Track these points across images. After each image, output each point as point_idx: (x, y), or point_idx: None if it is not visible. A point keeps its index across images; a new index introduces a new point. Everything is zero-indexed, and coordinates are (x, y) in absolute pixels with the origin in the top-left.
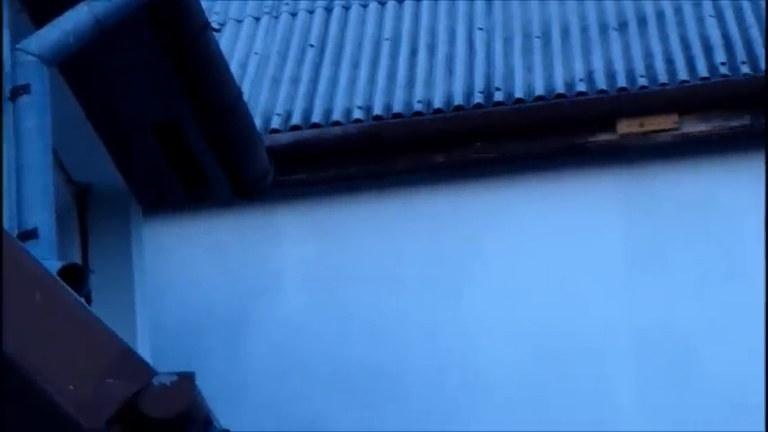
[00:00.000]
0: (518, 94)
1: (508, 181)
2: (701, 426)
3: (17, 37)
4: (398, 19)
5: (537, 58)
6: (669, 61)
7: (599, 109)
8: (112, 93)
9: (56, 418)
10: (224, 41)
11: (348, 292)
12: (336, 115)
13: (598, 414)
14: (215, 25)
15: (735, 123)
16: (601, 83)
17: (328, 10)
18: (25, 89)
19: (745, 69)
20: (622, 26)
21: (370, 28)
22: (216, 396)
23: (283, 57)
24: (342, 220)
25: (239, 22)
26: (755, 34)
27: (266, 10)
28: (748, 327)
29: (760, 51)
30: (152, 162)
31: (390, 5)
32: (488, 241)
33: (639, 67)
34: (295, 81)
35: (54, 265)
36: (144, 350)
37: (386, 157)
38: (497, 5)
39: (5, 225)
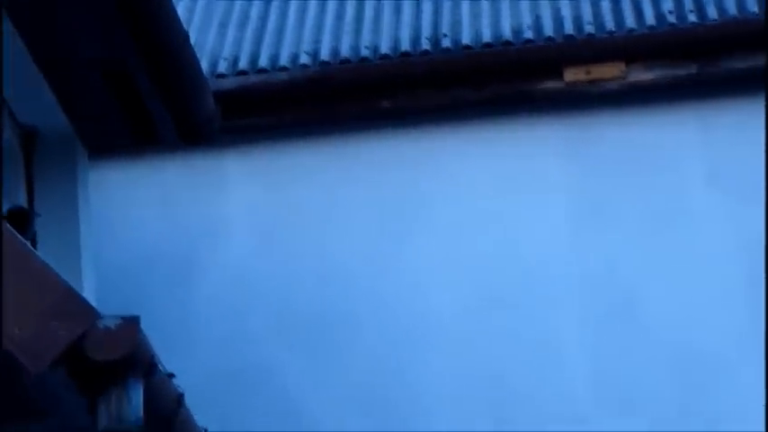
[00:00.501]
0: (465, 40)
1: (454, 127)
2: (645, 369)
3: None
4: None
5: (485, 4)
6: (616, 9)
7: (546, 56)
8: (59, 36)
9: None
10: None
11: (295, 237)
12: (283, 60)
13: (543, 358)
14: None
15: (681, 72)
16: (548, 30)
17: None
18: None
19: (692, 18)
20: None
21: None
22: (161, 340)
23: (230, 1)
24: (288, 165)
25: None
26: None
27: None
28: (692, 273)
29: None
30: (98, 105)
31: None
32: (434, 187)
33: (587, 15)
34: (242, 25)
35: None
36: (89, 294)
37: (332, 103)
38: None
39: None
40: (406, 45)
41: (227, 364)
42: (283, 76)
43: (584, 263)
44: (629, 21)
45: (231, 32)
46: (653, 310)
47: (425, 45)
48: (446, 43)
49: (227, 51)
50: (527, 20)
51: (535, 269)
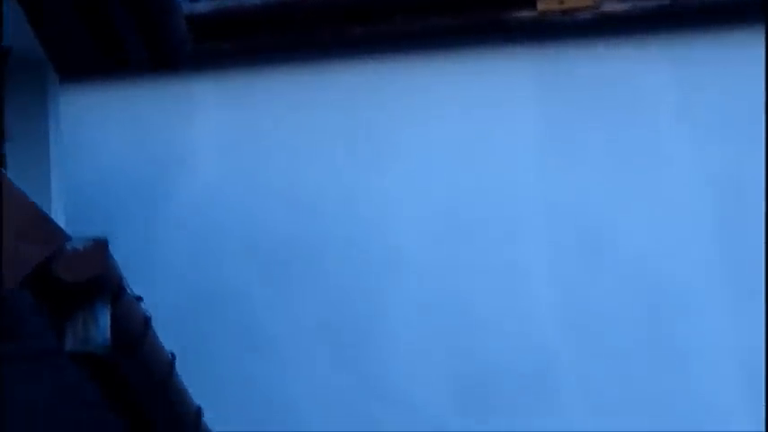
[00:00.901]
0: None
1: (427, 55)
2: (612, 302)
3: None
4: None
5: None
6: None
7: None
8: None
9: None
10: None
11: (265, 164)
12: None
13: (510, 289)
14: None
15: (654, 3)
16: None
17: None
18: None
19: None
20: None
21: None
22: (129, 263)
23: None
24: (260, 91)
25: None
26: None
27: None
28: (661, 206)
29: None
30: (69, 29)
31: None
32: (405, 116)
33: None
34: None
35: None
36: (58, 216)
37: (306, 29)
38: None
39: None
40: None
41: (194, 290)
42: (256, 0)
43: (553, 194)
44: None
45: None
46: (621, 242)
47: None
48: None
49: None
50: None
51: (504, 199)
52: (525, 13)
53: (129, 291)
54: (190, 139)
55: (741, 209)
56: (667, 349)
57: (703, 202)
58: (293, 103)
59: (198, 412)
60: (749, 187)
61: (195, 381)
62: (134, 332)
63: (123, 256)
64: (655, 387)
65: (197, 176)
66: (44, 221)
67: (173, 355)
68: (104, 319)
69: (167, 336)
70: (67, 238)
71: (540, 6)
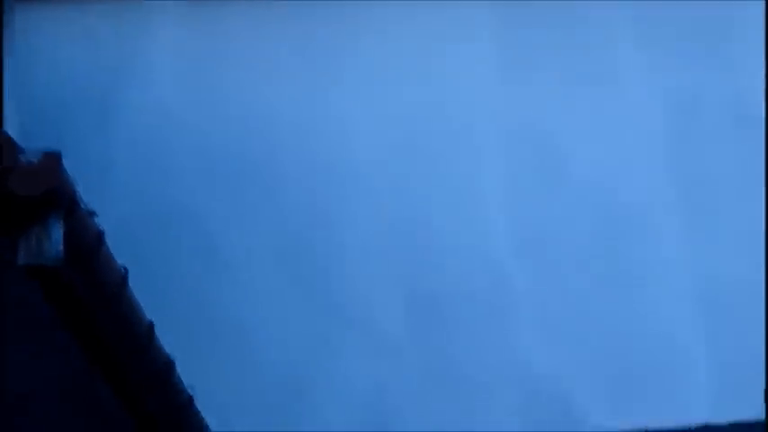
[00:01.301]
0: None
1: None
2: (567, 224)
3: None
4: None
5: None
6: None
7: None
8: None
9: None
10: None
11: (220, 80)
12: None
13: (466, 210)
14: None
15: None
16: None
17: None
18: None
19: None
20: None
21: None
22: (83, 178)
23: None
24: (216, 8)
25: None
26: None
27: None
28: (618, 128)
29: None
30: None
31: None
32: (363, 35)
33: None
34: None
35: None
36: (11, 129)
37: None
38: None
39: None
40: None
41: (149, 206)
42: None
43: (509, 115)
44: None
45: None
46: (577, 165)
47: None
48: None
49: None
50: None
51: (460, 121)
52: None
53: (82, 205)
54: (145, 54)
55: (696, 133)
56: (621, 271)
57: (658, 126)
58: (250, 22)
59: (150, 327)
60: (704, 111)
61: (148, 298)
62: (87, 246)
63: (77, 170)
64: (607, 310)
65: (152, 92)
66: None
67: (125, 269)
68: (57, 233)
69: (120, 251)
70: (21, 151)
71: None
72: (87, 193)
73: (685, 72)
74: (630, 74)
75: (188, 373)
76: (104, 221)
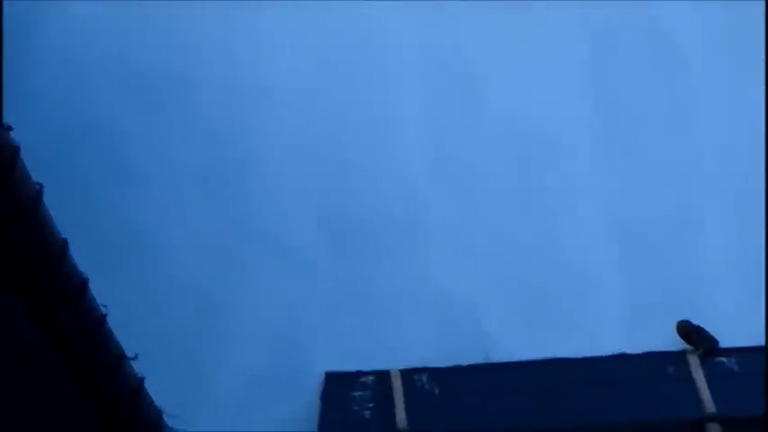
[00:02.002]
0: None
1: None
2: (482, 151)
3: None
4: None
5: None
6: None
7: None
8: None
9: None
10: None
11: (138, 1)
12: None
13: (382, 133)
14: None
15: None
16: None
17: None
18: None
19: None
20: None
21: None
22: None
23: None
24: None
25: None
26: None
27: None
28: (535, 55)
29: None
30: None
31: None
32: None
33: None
34: None
35: None
36: None
37: None
38: None
39: None
40: None
41: (66, 121)
42: None
43: (427, 41)
44: None
45: None
46: (495, 92)
47: None
48: None
49: None
50: None
51: (379, 44)
52: None
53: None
54: None
55: (614, 64)
56: (536, 199)
57: (577, 56)
58: None
59: (64, 243)
60: (625, 42)
61: (62, 215)
62: (2, 161)
63: None
64: (521, 237)
65: (70, 11)
66: None
67: (40, 185)
68: None
69: (36, 167)
70: None
71: None
72: (6, 113)
73: (605, 3)
74: (550, 3)
75: (101, 292)
76: (20, 137)
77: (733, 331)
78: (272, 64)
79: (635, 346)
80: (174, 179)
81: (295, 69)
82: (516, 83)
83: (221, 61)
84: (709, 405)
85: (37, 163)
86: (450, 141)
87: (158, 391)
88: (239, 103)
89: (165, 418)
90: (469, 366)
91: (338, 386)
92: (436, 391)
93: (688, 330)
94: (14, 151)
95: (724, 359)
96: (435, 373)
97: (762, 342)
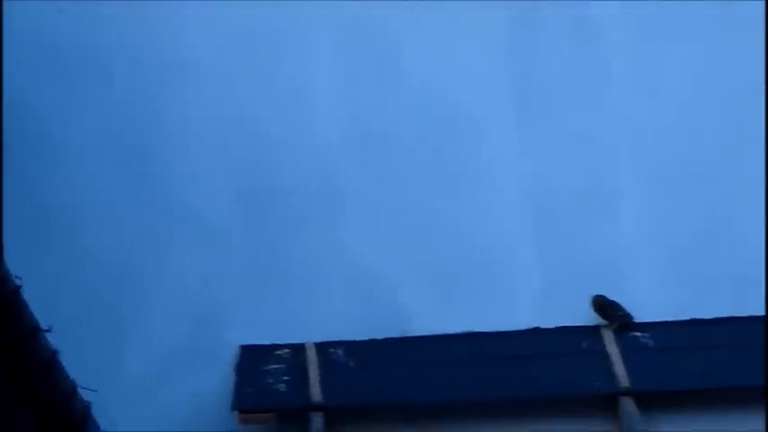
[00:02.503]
0: None
1: None
2: (398, 124)
3: None
4: None
5: None
6: None
7: None
8: None
9: None
10: None
11: None
12: None
13: (298, 106)
14: None
15: None
16: None
17: None
18: None
19: None
20: None
21: None
22: None
23: None
24: None
25: None
26: None
27: None
28: (454, 32)
29: None
30: None
31: None
32: None
33: None
34: None
35: None
36: None
37: None
38: None
39: None
40: None
41: None
42: None
43: (343, 12)
44: None
45: None
46: (412, 64)
47: None
48: None
49: None
50: None
51: (293, 15)
52: None
53: None
54: None
55: (532, 38)
56: (452, 172)
57: (496, 29)
58: None
59: None
60: (542, 18)
61: None
62: None
63: None
64: (437, 209)
65: None
66: None
67: None
68: None
69: None
70: None
71: None
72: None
73: None
74: None
75: (16, 264)
76: None
77: (647, 306)
78: (188, 38)
79: (550, 321)
80: (91, 152)
81: (211, 43)
82: (433, 56)
83: (138, 36)
84: (623, 379)
85: None
86: (367, 114)
87: (73, 364)
88: (156, 77)
89: (80, 391)
90: (385, 340)
91: (253, 359)
92: (351, 364)
93: (603, 305)
94: None
95: (638, 334)
96: (350, 346)
97: (677, 317)
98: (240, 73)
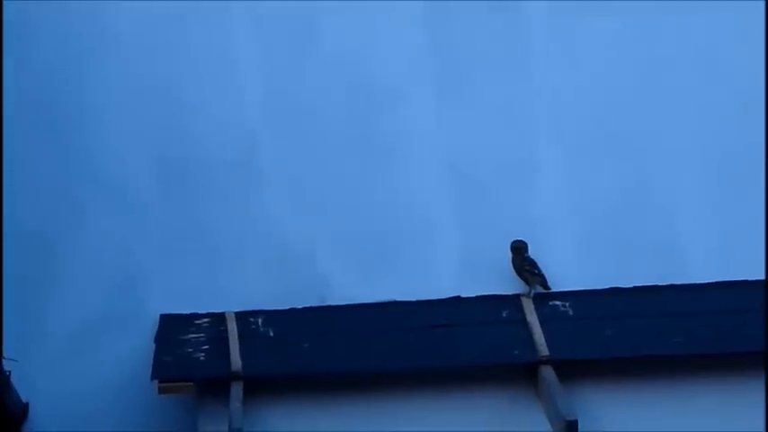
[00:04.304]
0: None
1: None
2: (317, 93)
3: None
4: None
5: None
6: None
7: None
8: None
9: None
10: None
11: None
12: None
13: (217, 75)
14: None
15: None
16: None
17: None
18: None
19: None
20: None
21: None
22: None
23: None
24: None
25: None
26: None
27: None
28: (371, 3)
29: None
30: None
31: None
32: None
33: None
34: None
35: None
36: None
37: None
38: None
39: None
40: None
41: None
42: None
43: None
44: None
45: None
46: (332, 35)
47: None
48: None
49: None
50: None
51: None
52: None
53: None
54: None
55: (452, 6)
56: (373, 143)
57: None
58: None
59: None
60: None
61: None
62: None
63: None
64: (358, 180)
65: None
66: None
67: None
68: None
69: None
70: None
71: None
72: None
73: None
74: None
75: None
76: None
77: (567, 275)
78: (107, 7)
79: (470, 290)
80: (8, 121)
81: (131, 13)
82: (352, 26)
83: (57, 6)
84: (543, 348)
85: None
86: (287, 84)
87: None
88: (75, 46)
89: (1, 362)
90: (305, 309)
91: (173, 328)
92: (271, 333)
93: (524, 273)
94: None
95: (558, 303)
96: (270, 315)
97: (597, 286)
98: (159, 42)
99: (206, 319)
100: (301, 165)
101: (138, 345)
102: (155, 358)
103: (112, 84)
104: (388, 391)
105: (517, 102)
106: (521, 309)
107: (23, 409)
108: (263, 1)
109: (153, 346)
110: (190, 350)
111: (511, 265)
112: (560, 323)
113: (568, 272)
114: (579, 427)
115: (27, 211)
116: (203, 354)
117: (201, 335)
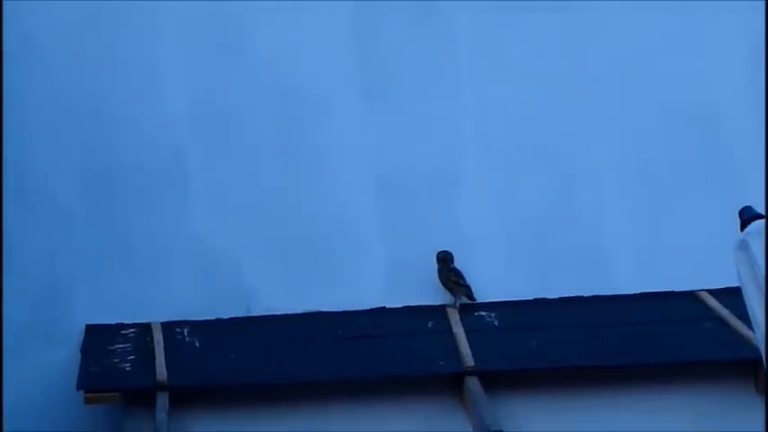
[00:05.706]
0: None
1: None
2: (244, 102)
3: None
4: None
5: None
6: None
7: None
8: None
9: None
10: None
11: None
12: None
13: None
14: None
15: None
16: None
17: None
18: None
19: None
20: None
21: None
22: None
23: None
24: None
25: None
26: None
27: None
28: (303, 10)
29: None
30: None
31: None
32: None
33: None
34: None
35: None
36: None
37: None
38: None
39: None
40: None
41: None
42: None
43: None
44: None
45: None
46: (260, 43)
47: None
48: None
49: None
50: None
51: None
52: None
53: None
54: None
55: (379, 19)
56: (299, 152)
57: (343, 7)
58: None
59: None
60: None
61: None
62: None
63: None
64: (284, 190)
65: None
66: None
67: None
68: None
69: None
70: None
71: None
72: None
73: None
74: None
75: None
76: None
77: (493, 286)
78: (33, 15)
79: (396, 301)
80: None
81: (57, 21)
82: (280, 35)
83: None
84: (468, 359)
85: None
86: (212, 92)
87: None
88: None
89: None
90: (230, 319)
91: (99, 338)
92: (197, 343)
93: (449, 283)
94: None
95: (483, 313)
96: (196, 325)
97: (523, 297)
98: (84, 50)
99: (132, 330)
100: (227, 175)
101: (64, 355)
102: (81, 368)
103: (36, 92)
104: (314, 402)
105: (444, 113)
106: (446, 319)
107: None
108: (191, 9)
109: (79, 356)
110: (116, 360)
111: (437, 275)
112: (486, 334)
113: (494, 283)
114: None
115: None
116: (129, 364)
117: (128, 345)
